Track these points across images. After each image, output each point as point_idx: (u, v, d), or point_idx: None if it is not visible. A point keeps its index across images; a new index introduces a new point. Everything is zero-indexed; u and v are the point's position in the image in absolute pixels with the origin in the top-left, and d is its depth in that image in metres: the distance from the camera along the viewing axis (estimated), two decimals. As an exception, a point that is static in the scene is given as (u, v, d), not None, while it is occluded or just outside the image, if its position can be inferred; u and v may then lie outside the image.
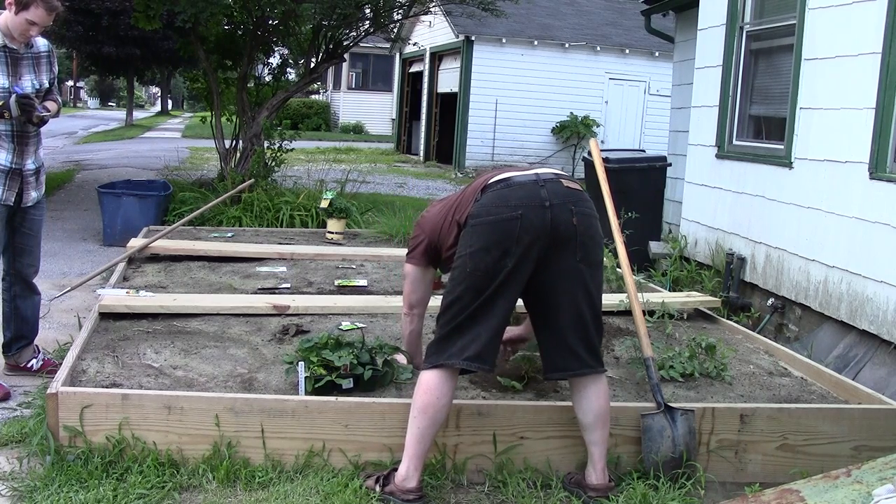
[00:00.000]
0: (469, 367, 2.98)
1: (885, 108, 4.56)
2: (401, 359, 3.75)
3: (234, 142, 10.26)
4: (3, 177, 3.90)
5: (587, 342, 3.07)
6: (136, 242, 6.14)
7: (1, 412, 3.75)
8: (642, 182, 7.34)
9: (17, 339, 4.23)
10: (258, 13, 9.98)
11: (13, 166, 3.93)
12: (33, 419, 3.47)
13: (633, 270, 4.12)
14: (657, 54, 18.23)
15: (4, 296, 4.20)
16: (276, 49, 11.72)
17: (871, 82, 4.66)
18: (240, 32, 10.68)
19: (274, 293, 5.12)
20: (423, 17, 18.08)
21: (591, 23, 20.05)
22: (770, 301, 5.61)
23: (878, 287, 4.55)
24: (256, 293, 5.14)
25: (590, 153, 5.46)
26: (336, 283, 5.54)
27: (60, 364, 3.62)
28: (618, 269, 4.85)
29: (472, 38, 18.21)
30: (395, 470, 3.03)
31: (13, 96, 3.78)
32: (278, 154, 9.71)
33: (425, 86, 21.98)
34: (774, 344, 4.61)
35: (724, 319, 5.14)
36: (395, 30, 17.02)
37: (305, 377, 3.42)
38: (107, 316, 4.38)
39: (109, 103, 65.64)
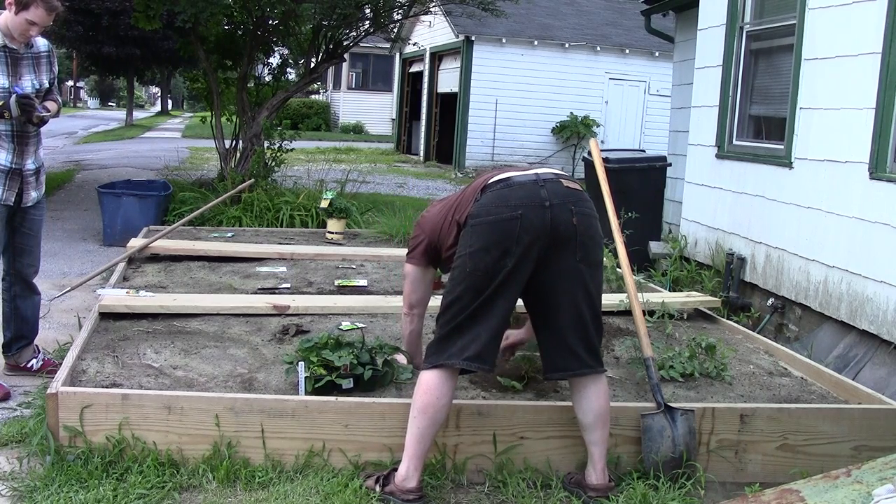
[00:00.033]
0: (469, 367, 2.98)
1: (885, 108, 4.56)
2: (401, 359, 3.75)
3: (234, 142, 10.26)
4: (3, 177, 3.91)
5: (587, 342, 3.07)
6: (136, 242, 6.14)
7: (1, 412, 3.75)
8: (642, 182, 7.34)
9: (17, 339, 4.23)
10: (258, 13, 9.98)
11: (13, 166, 3.93)
12: (33, 419, 3.47)
13: (633, 270, 4.12)
14: (657, 54, 18.23)
15: (4, 296, 4.20)
16: (276, 49, 11.72)
17: (871, 82, 4.66)
18: (240, 32, 10.68)
19: (274, 293, 5.12)
20: (423, 17, 18.08)
21: (591, 23, 20.05)
22: (770, 301, 5.61)
23: (878, 287, 4.55)
24: (256, 293, 5.14)
25: (590, 153, 5.46)
26: (336, 283, 5.54)
27: (60, 364, 3.62)
28: (618, 269, 4.85)
29: (472, 38, 18.22)
30: (395, 470, 3.03)
31: (13, 96, 3.78)
32: (278, 154, 9.71)
33: (425, 86, 21.98)
34: (774, 344, 4.61)
35: (724, 319, 5.14)
36: (395, 30, 17.02)
37: (305, 377, 3.42)
38: (107, 316, 4.38)
39: (109, 103, 65.65)
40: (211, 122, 10.44)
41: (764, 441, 3.41)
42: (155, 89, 64.77)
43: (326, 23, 10.13)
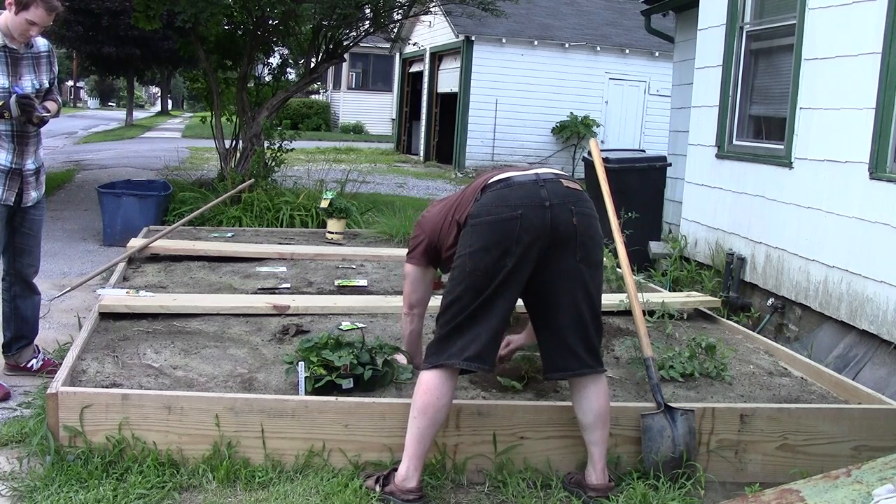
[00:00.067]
0: (469, 367, 2.98)
1: (885, 108, 4.56)
2: (401, 359, 3.75)
3: (234, 142, 10.26)
4: (3, 177, 3.90)
5: (587, 342, 3.07)
6: (136, 242, 6.14)
7: (1, 412, 3.75)
8: (642, 182, 7.34)
9: (17, 339, 4.23)
10: (258, 13, 9.98)
11: (13, 166, 3.93)
12: (33, 419, 3.47)
13: (633, 270, 4.12)
14: (657, 54, 18.23)
15: (4, 296, 4.20)
16: (276, 49, 11.72)
17: (871, 82, 4.66)
18: (240, 32, 10.68)
19: (274, 293, 5.12)
20: (423, 17, 18.08)
21: (591, 23, 20.06)
22: (770, 301, 5.61)
23: (878, 287, 4.55)
24: (256, 293, 5.14)
25: (590, 153, 5.46)
26: (336, 283, 5.54)
27: (60, 364, 3.62)
28: (618, 269, 4.85)
29: (472, 38, 18.22)
30: (395, 470, 3.03)
31: (13, 96, 3.78)
32: (278, 154, 9.71)
33: (425, 86, 21.99)
34: (774, 344, 4.61)
35: (724, 319, 5.14)
36: (395, 30, 17.03)
37: (305, 377, 3.42)
38: (107, 316, 4.38)
39: (109, 103, 65.65)
40: (211, 122, 10.44)
41: (764, 441, 3.41)
42: (155, 89, 64.77)
43: (326, 23, 10.13)
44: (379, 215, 8.70)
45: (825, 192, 5.06)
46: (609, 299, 4.62)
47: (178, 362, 3.80)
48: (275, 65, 11.37)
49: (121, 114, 41.14)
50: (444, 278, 3.19)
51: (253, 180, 8.85)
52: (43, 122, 3.92)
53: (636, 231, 5.92)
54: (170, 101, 54.18)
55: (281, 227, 8.42)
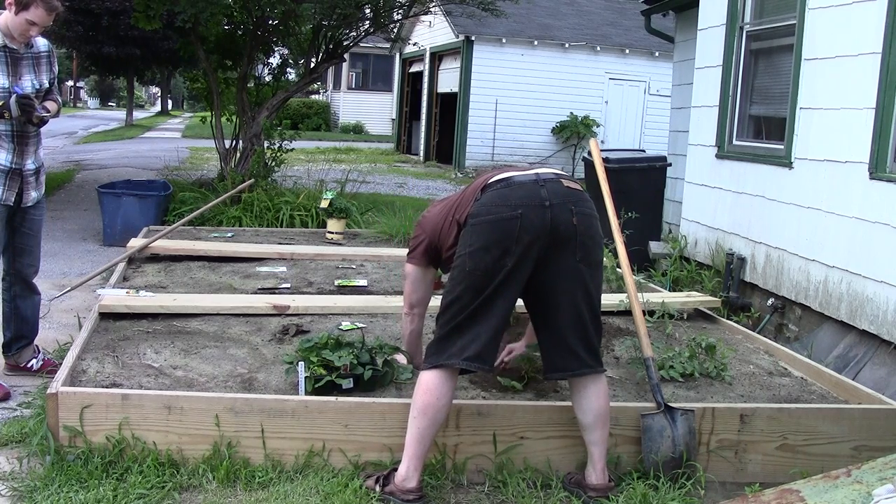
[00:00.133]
0: (469, 367, 2.98)
1: (885, 108, 4.56)
2: (401, 359, 3.75)
3: (234, 142, 10.26)
4: (3, 177, 3.90)
5: (586, 342, 3.07)
6: (136, 242, 6.14)
7: (1, 412, 3.75)
8: (642, 182, 7.34)
9: (17, 339, 4.23)
10: (258, 13, 9.98)
11: (13, 166, 3.93)
12: (33, 419, 3.47)
13: (633, 270, 4.12)
14: (657, 54, 18.23)
15: (4, 296, 4.20)
16: (276, 49, 11.72)
17: (871, 82, 4.66)
18: (240, 32, 10.69)
19: (274, 293, 5.12)
20: (423, 17, 18.08)
21: (591, 23, 20.06)
22: (770, 301, 5.61)
23: (878, 287, 4.55)
24: (256, 293, 5.14)
25: (590, 153, 5.46)
26: (336, 283, 5.54)
27: (60, 364, 3.62)
28: (618, 269, 4.85)
29: (472, 38, 18.22)
30: (395, 470, 3.03)
31: (13, 96, 3.78)
32: (278, 154, 9.71)
33: (425, 86, 21.99)
34: (774, 344, 4.61)
35: (724, 319, 5.14)
36: (395, 30, 17.03)
37: (305, 377, 3.42)
38: (107, 316, 4.38)
39: (109, 103, 65.64)
40: (211, 122, 10.44)
41: (764, 441, 3.41)
42: (155, 89, 64.77)
43: (326, 23, 10.13)
44: (379, 215, 8.70)
45: (825, 192, 5.06)
46: (609, 299, 4.62)
47: (178, 362, 3.80)
48: (275, 65, 11.37)
49: (121, 114, 41.15)
50: (445, 278, 3.19)
51: (253, 180, 8.85)
52: (43, 122, 3.92)
53: (636, 231, 5.92)
54: (170, 101, 54.19)
55: (281, 227, 8.42)
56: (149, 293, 4.86)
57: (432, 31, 20.35)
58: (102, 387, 3.40)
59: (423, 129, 22.07)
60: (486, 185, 3.03)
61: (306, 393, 3.40)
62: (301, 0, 9.19)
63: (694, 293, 5.59)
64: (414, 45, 19.77)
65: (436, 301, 3.25)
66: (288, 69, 11.80)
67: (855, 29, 4.86)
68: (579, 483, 3.17)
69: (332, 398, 3.27)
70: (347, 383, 3.43)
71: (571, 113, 18.34)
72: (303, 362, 3.46)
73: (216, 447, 3.16)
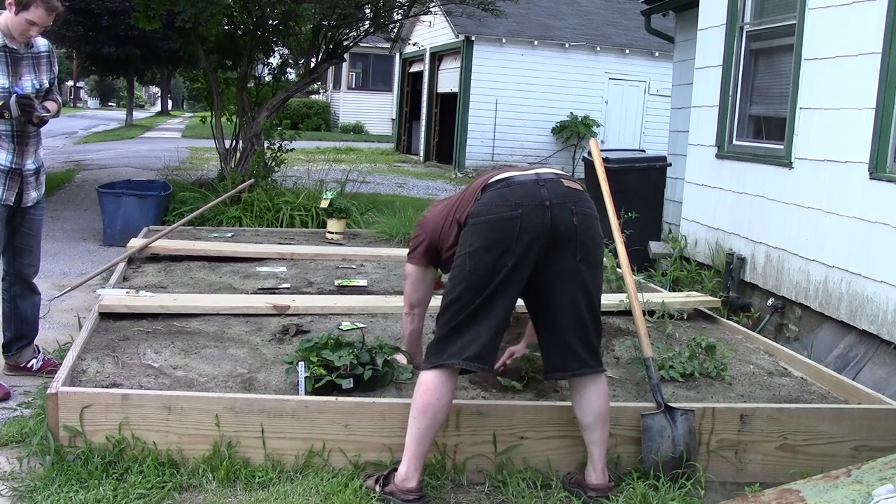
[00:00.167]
0: (469, 367, 2.98)
1: (885, 108, 4.56)
2: (401, 359, 3.75)
3: (234, 142, 10.26)
4: (3, 177, 3.90)
5: (587, 342, 3.07)
6: (136, 242, 6.14)
7: (1, 412, 3.75)
8: (642, 182, 7.34)
9: (17, 339, 4.23)
10: (258, 13, 9.98)
11: (13, 166, 3.93)
12: (33, 419, 3.47)
13: (633, 270, 4.12)
14: (657, 54, 18.23)
15: (4, 296, 4.20)
16: (276, 49, 11.72)
17: (871, 82, 4.66)
18: (240, 32, 10.69)
19: (274, 293, 5.12)
20: (423, 17, 18.09)
21: (591, 23, 20.06)
22: (770, 301, 5.61)
23: (878, 287, 4.55)
24: (256, 293, 5.14)
25: (590, 153, 5.46)
26: (336, 283, 5.54)
27: (60, 364, 3.62)
28: (618, 269, 4.85)
29: (472, 38, 18.22)
30: (395, 470, 3.03)
31: (13, 96, 3.78)
32: (278, 154, 9.71)
33: (425, 86, 21.99)
34: (774, 344, 4.61)
35: (724, 319, 5.14)
36: (395, 30, 17.03)
37: (305, 377, 3.42)
38: (107, 316, 4.38)
39: (109, 103, 65.64)
40: (211, 122, 10.44)
41: (764, 441, 3.41)
42: (155, 89, 64.77)
43: (326, 23, 10.13)
44: (379, 215, 8.70)
45: (825, 192, 5.06)
46: (609, 299, 4.62)
47: (178, 362, 3.80)
48: (275, 65, 11.37)
49: (121, 114, 41.14)
50: (445, 278, 3.20)
51: (253, 180, 8.85)
52: (43, 122, 3.92)
53: (636, 231, 5.92)
54: (170, 101, 54.19)
55: (281, 227, 8.42)
56: (149, 293, 4.86)
57: (432, 31, 20.35)
58: (102, 387, 3.40)
59: (423, 129, 22.07)
60: (486, 184, 3.03)
61: (306, 393, 3.40)
62: (301, 0, 9.19)
63: (694, 293, 5.59)
64: (414, 45, 19.77)
65: (436, 301, 3.25)
66: (288, 69, 11.80)
67: (855, 29, 4.86)
68: (579, 483, 3.17)
69: (332, 398, 3.27)
70: (347, 383, 3.43)
71: (571, 113, 18.34)
72: (303, 362, 3.46)
73: (216, 447, 3.16)
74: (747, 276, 5.89)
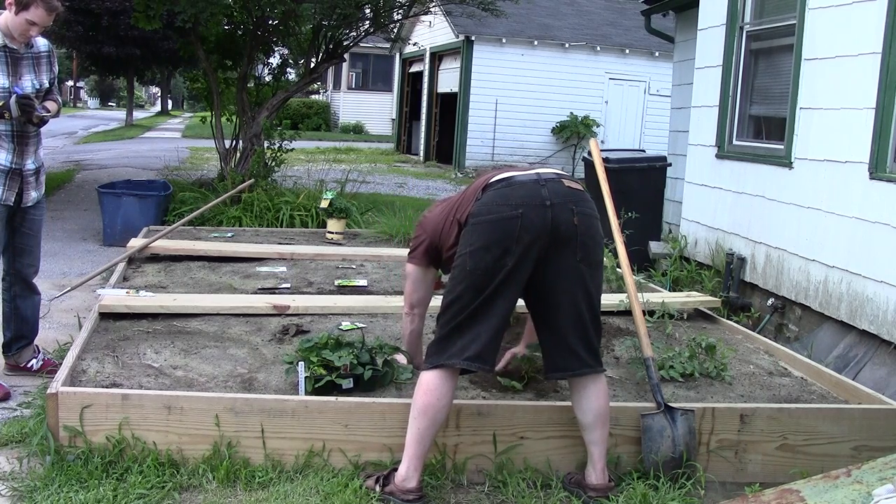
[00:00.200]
0: (469, 367, 2.98)
1: (885, 108, 4.56)
2: (401, 359, 3.75)
3: (234, 142, 10.26)
4: (3, 177, 3.90)
5: (587, 342, 3.07)
6: (136, 242, 6.14)
7: (1, 412, 3.75)
8: (642, 182, 7.34)
9: (17, 339, 4.23)
10: (258, 13, 9.98)
11: (13, 166, 3.93)
12: (33, 419, 3.47)
13: (633, 270, 4.12)
14: (657, 54, 18.23)
15: (4, 296, 4.20)
16: (276, 49, 11.72)
17: (871, 82, 4.66)
18: (240, 32, 10.69)
19: (274, 293, 5.12)
20: (423, 17, 18.08)
21: (591, 23, 20.06)
22: (770, 301, 5.61)
23: (878, 287, 4.55)
24: (256, 293, 5.14)
25: (590, 153, 5.46)
26: (336, 283, 5.54)
27: (60, 364, 3.62)
28: (618, 269, 4.85)
29: (472, 38, 18.22)
30: (395, 470, 3.03)
31: (13, 96, 3.78)
32: (278, 154, 9.71)
33: (425, 86, 21.99)
34: (774, 344, 4.61)
35: (724, 319, 5.14)
36: (395, 30, 17.02)
37: (305, 377, 3.42)
38: (107, 316, 4.38)
39: (109, 103, 65.64)
40: (211, 122, 10.44)
41: (764, 441, 3.41)
42: (155, 89, 64.77)
43: (326, 23, 10.13)
44: (379, 215, 8.69)
45: (825, 192, 5.06)
46: (609, 299, 4.62)
47: (178, 362, 3.80)
48: (275, 65, 11.37)
49: (121, 114, 41.14)
50: (445, 278, 3.20)
51: (253, 180, 8.85)
52: (43, 122, 3.92)
53: (636, 231, 5.92)
54: (170, 101, 54.19)
55: (281, 227, 8.42)
56: (149, 293, 4.86)
57: (432, 31, 20.35)
58: (102, 387, 3.40)
59: (423, 129, 22.07)
60: (486, 184, 3.03)
61: (306, 393, 3.40)
62: (301, 0, 9.19)
63: (694, 293, 5.59)
64: (414, 45, 19.77)
65: (436, 301, 3.25)
66: (288, 69, 11.80)
67: (855, 29, 4.86)
68: (579, 483, 3.17)
69: (332, 398, 3.27)
70: (347, 383, 3.43)
71: (571, 113, 18.34)
72: (303, 362, 3.46)
73: (216, 447, 3.16)
74: (747, 276, 5.89)
